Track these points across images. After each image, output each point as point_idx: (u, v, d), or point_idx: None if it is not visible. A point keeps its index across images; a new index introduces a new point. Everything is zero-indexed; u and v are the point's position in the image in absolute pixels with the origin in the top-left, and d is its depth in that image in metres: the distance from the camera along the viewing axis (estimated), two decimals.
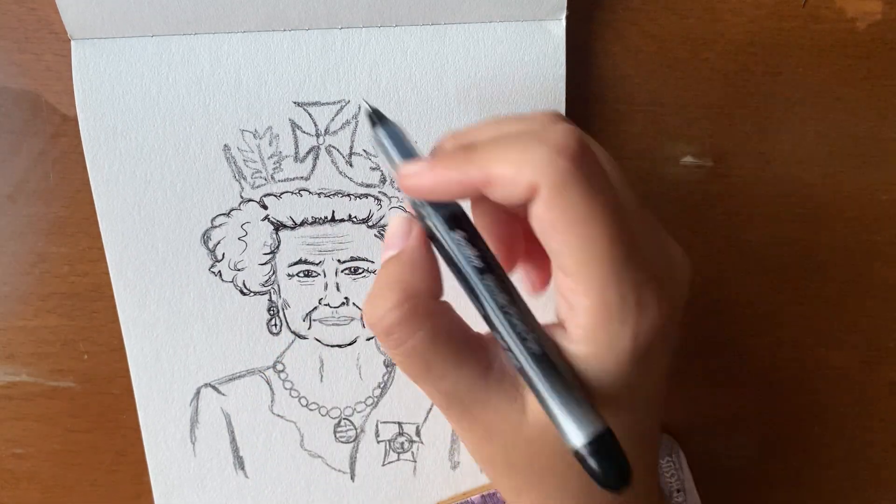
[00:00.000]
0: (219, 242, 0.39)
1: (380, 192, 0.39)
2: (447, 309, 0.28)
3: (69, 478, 0.44)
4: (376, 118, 0.30)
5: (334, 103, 0.38)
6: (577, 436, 0.25)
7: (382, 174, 0.39)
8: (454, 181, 0.26)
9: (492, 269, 0.27)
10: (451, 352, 0.27)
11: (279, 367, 0.41)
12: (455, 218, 0.27)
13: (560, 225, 0.24)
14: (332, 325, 0.41)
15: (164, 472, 0.42)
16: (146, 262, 0.39)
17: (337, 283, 0.40)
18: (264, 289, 0.40)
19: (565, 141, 0.24)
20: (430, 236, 0.28)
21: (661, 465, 0.43)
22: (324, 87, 0.38)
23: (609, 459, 0.24)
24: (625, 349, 0.25)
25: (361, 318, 0.41)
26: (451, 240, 0.27)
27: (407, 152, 0.29)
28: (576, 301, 0.25)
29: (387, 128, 0.29)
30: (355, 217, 0.39)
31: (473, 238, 0.27)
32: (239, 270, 0.40)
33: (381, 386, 0.42)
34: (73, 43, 0.36)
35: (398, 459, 0.43)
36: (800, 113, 0.40)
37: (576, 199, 0.24)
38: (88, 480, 0.44)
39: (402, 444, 0.43)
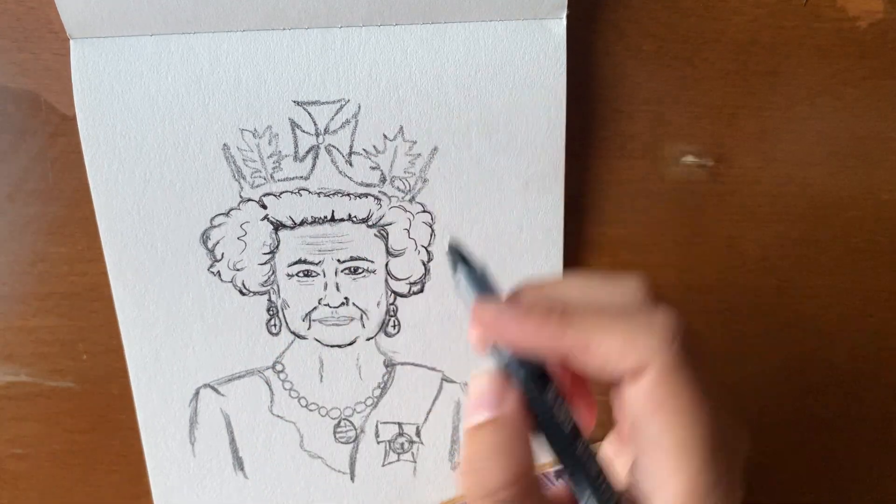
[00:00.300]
0: (218, 242, 0.39)
1: (379, 191, 0.39)
2: (542, 482, 0.28)
3: (69, 478, 0.44)
4: (459, 259, 0.28)
5: (334, 102, 0.38)
6: None
7: (382, 173, 0.39)
8: (547, 338, 0.26)
9: (580, 435, 0.26)
10: None
11: (279, 367, 0.41)
12: (543, 378, 0.27)
13: (667, 407, 0.25)
14: (332, 325, 0.41)
15: (163, 473, 0.42)
16: (145, 261, 0.39)
17: (336, 283, 0.40)
18: (263, 289, 0.40)
19: (676, 325, 0.25)
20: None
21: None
22: (323, 87, 0.38)
23: None
24: None
25: (361, 319, 0.41)
26: (546, 403, 0.26)
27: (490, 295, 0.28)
28: (667, 479, 0.25)
29: (470, 271, 0.28)
30: (355, 217, 0.39)
31: (561, 400, 0.26)
32: (238, 270, 0.40)
33: (381, 386, 0.42)
34: (72, 42, 0.36)
35: (398, 460, 0.43)
36: (800, 113, 0.40)
37: (685, 384, 0.25)
38: (87, 480, 0.44)
39: (402, 444, 0.42)
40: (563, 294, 0.28)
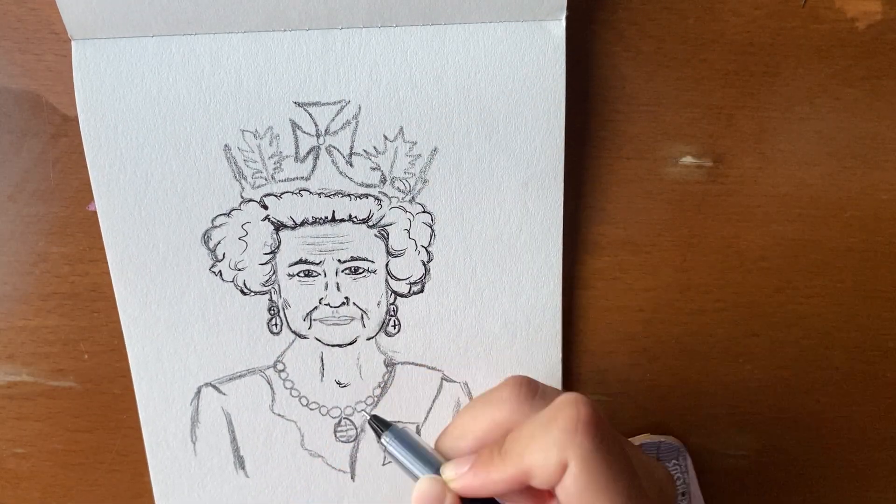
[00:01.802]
0: (219, 242, 0.39)
1: (380, 192, 0.39)
2: None
3: (69, 477, 0.44)
4: (380, 426, 0.33)
5: (334, 103, 0.38)
6: None
7: (382, 174, 0.39)
8: (500, 481, 0.29)
9: None
10: None
11: (280, 366, 0.41)
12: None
13: (588, 493, 0.27)
14: (333, 324, 0.41)
15: (164, 472, 0.42)
16: (147, 261, 0.39)
17: (337, 283, 0.40)
18: (265, 288, 0.40)
19: (582, 415, 0.28)
20: None
21: (668, 468, 0.43)
22: (324, 88, 0.38)
23: None
24: None
25: (361, 318, 0.41)
26: None
27: (425, 452, 0.32)
28: None
29: (394, 432, 0.32)
30: (355, 217, 0.39)
31: None
32: (239, 270, 0.40)
33: (382, 385, 0.42)
34: (73, 43, 0.36)
35: None
36: (800, 113, 0.40)
37: (599, 468, 0.27)
38: (89, 480, 0.44)
39: None
40: (471, 433, 0.31)
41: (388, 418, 0.42)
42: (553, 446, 0.27)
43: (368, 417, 0.37)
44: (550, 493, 0.30)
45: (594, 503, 0.27)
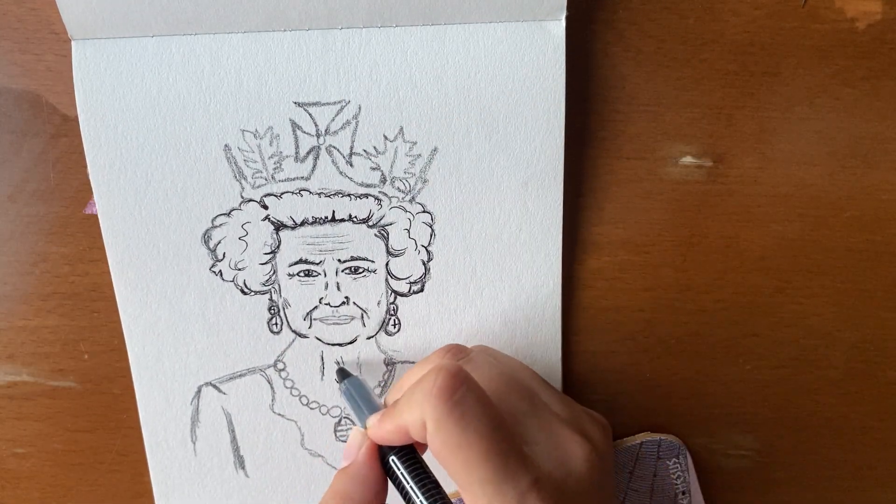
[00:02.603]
0: (219, 242, 0.39)
1: (380, 192, 0.39)
2: None
3: (69, 478, 0.44)
4: (340, 375, 0.39)
5: (334, 103, 0.38)
6: None
7: (382, 174, 0.39)
8: (390, 432, 0.32)
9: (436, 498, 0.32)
10: None
11: (280, 365, 0.41)
12: (405, 449, 0.33)
13: (444, 453, 0.30)
14: (333, 324, 0.41)
15: (164, 472, 0.42)
16: (147, 261, 0.39)
17: (337, 283, 0.40)
18: (265, 288, 0.40)
19: (440, 382, 0.30)
20: (383, 460, 0.33)
21: (668, 467, 0.43)
22: (324, 88, 0.38)
23: None
24: None
25: (361, 318, 0.41)
26: (397, 464, 0.33)
27: (370, 403, 0.36)
28: None
29: (351, 382, 0.37)
30: (355, 217, 0.39)
31: (417, 465, 0.32)
32: (239, 270, 0.40)
33: (382, 385, 0.42)
34: (73, 43, 0.36)
35: None
36: (800, 113, 0.40)
37: (450, 428, 0.29)
38: (89, 480, 0.44)
39: None
40: (401, 388, 0.35)
41: None
42: (416, 406, 0.30)
43: (337, 366, 0.41)
44: None
45: (451, 459, 0.29)
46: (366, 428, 0.34)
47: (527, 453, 0.31)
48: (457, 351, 0.36)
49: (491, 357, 0.36)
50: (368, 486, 0.33)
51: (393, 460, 0.33)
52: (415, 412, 0.31)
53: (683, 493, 0.43)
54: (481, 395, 0.31)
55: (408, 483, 0.32)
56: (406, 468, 0.32)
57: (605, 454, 0.35)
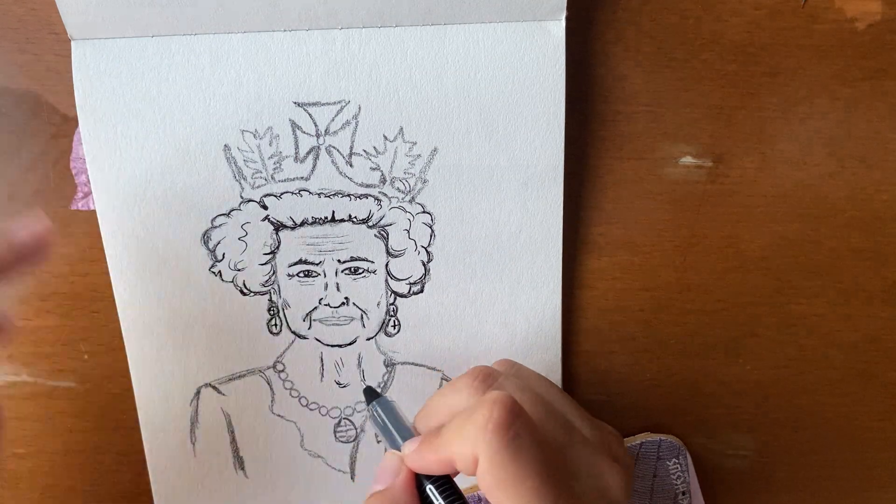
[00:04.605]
0: (219, 242, 0.39)
1: (380, 192, 0.39)
2: None
3: (69, 477, 0.44)
4: (369, 396, 0.36)
5: (334, 104, 0.38)
6: None
7: (382, 174, 0.39)
8: (433, 462, 0.31)
9: None
10: None
11: (279, 366, 0.41)
12: (443, 478, 0.32)
13: (496, 490, 0.29)
14: (333, 324, 0.41)
15: (164, 473, 0.42)
16: (146, 262, 0.39)
17: (337, 283, 0.40)
18: (264, 289, 0.40)
19: (494, 415, 0.29)
20: (419, 487, 0.32)
21: (669, 467, 0.43)
22: (324, 88, 0.38)
23: None
24: None
25: (361, 318, 0.41)
26: (436, 494, 0.32)
27: (401, 427, 0.35)
28: None
29: (381, 404, 0.36)
30: (355, 217, 0.39)
31: (456, 496, 0.32)
32: (239, 270, 0.40)
33: (381, 386, 0.42)
34: (73, 43, 0.36)
35: None
36: (800, 113, 0.40)
37: (506, 466, 0.29)
38: (88, 480, 0.44)
39: None
40: (435, 414, 0.34)
41: None
42: (467, 440, 0.29)
43: (364, 387, 0.39)
44: None
45: (503, 497, 0.29)
46: (401, 452, 0.33)
47: (574, 489, 0.31)
48: (485, 377, 0.34)
49: (520, 380, 0.35)
50: None
51: (431, 489, 0.32)
52: (466, 447, 0.30)
53: (683, 493, 0.43)
54: (534, 430, 0.30)
55: None
56: (445, 499, 0.32)
57: (631, 471, 0.35)
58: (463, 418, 0.30)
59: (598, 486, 0.32)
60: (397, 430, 0.35)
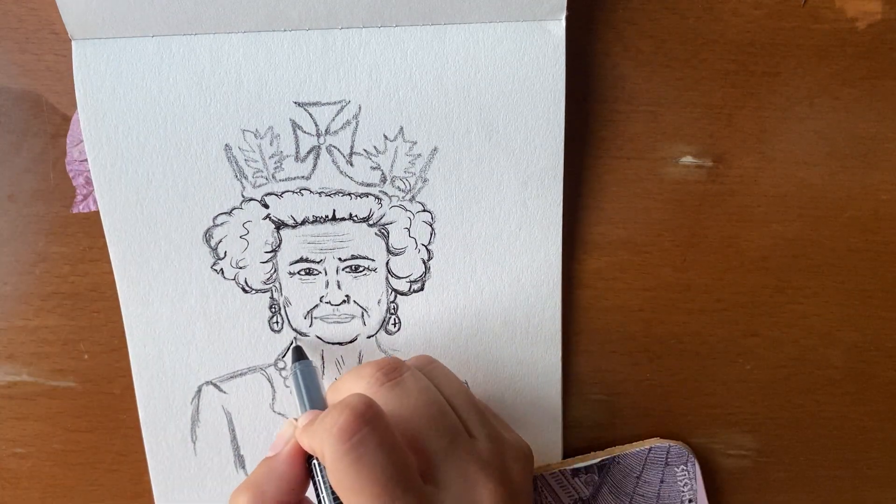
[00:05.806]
0: (220, 241, 0.39)
1: (380, 191, 0.39)
2: None
3: (69, 477, 0.44)
4: (295, 354, 0.38)
5: (335, 103, 0.38)
6: None
7: (383, 173, 0.39)
8: (307, 447, 0.33)
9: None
10: None
11: (280, 364, 0.41)
12: None
13: (340, 491, 0.30)
14: (334, 322, 0.41)
15: (164, 472, 0.42)
16: (149, 260, 0.39)
17: (338, 281, 0.40)
18: (266, 287, 0.40)
19: (340, 420, 0.30)
20: (309, 459, 0.33)
21: (676, 474, 0.43)
22: (324, 87, 0.38)
23: None
24: None
25: (362, 316, 0.41)
26: (318, 470, 0.33)
27: (313, 396, 0.36)
28: None
29: (302, 367, 0.37)
30: (356, 216, 0.39)
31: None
32: (240, 268, 0.40)
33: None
34: (73, 43, 0.37)
35: None
36: (800, 113, 0.40)
37: (347, 471, 0.29)
38: (88, 480, 0.44)
39: None
40: (338, 394, 0.34)
41: None
42: (317, 439, 0.31)
43: (293, 346, 0.40)
44: None
45: (346, 499, 0.30)
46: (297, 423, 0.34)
47: (431, 498, 0.31)
48: (389, 370, 0.34)
49: (425, 379, 0.35)
50: (285, 482, 0.33)
51: (315, 465, 0.33)
52: (315, 445, 0.31)
53: (690, 500, 0.43)
54: (384, 437, 0.30)
55: (322, 493, 0.32)
56: (324, 479, 0.32)
57: (520, 493, 0.34)
58: (322, 416, 0.31)
59: (466, 500, 0.32)
60: (310, 398, 0.36)
